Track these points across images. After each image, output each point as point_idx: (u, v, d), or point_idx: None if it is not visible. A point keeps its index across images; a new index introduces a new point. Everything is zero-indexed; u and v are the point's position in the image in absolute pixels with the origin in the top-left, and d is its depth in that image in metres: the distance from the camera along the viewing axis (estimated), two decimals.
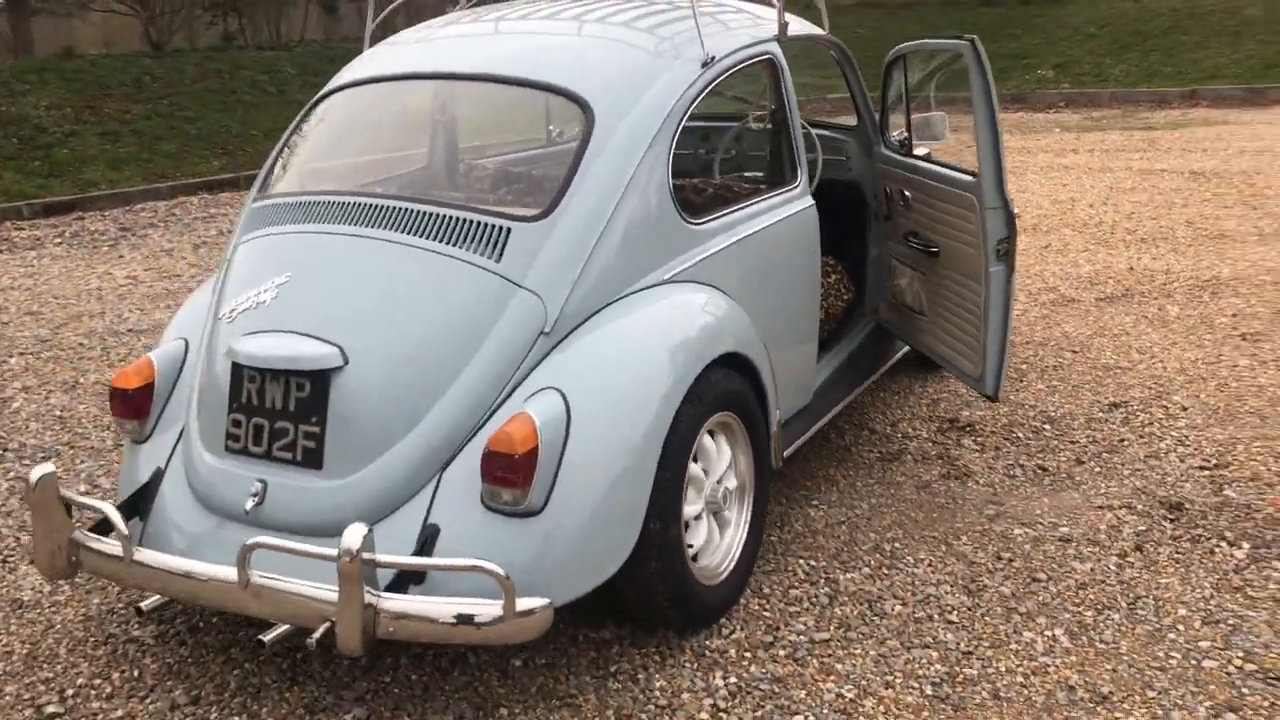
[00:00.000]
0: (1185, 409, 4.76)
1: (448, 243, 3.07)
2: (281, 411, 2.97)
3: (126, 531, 2.87)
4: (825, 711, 2.90)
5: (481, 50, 3.62)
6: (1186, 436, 4.48)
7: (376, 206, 3.19)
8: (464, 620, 2.63)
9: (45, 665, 3.25)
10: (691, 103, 3.40)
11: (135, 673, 3.19)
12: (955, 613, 3.32)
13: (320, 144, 3.73)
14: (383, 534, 2.83)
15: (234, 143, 12.85)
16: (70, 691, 3.12)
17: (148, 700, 3.06)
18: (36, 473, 2.99)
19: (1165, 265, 7.12)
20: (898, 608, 3.36)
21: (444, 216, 3.12)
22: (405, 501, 2.88)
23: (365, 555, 2.58)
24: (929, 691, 2.96)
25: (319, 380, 2.93)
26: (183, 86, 13.56)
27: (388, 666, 3.15)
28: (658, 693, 2.99)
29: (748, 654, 3.15)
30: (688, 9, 3.72)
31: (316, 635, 2.72)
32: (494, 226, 3.08)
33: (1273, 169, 10.22)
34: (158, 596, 3.01)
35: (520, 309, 3.00)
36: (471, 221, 3.10)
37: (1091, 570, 3.52)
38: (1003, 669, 3.05)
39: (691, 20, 3.60)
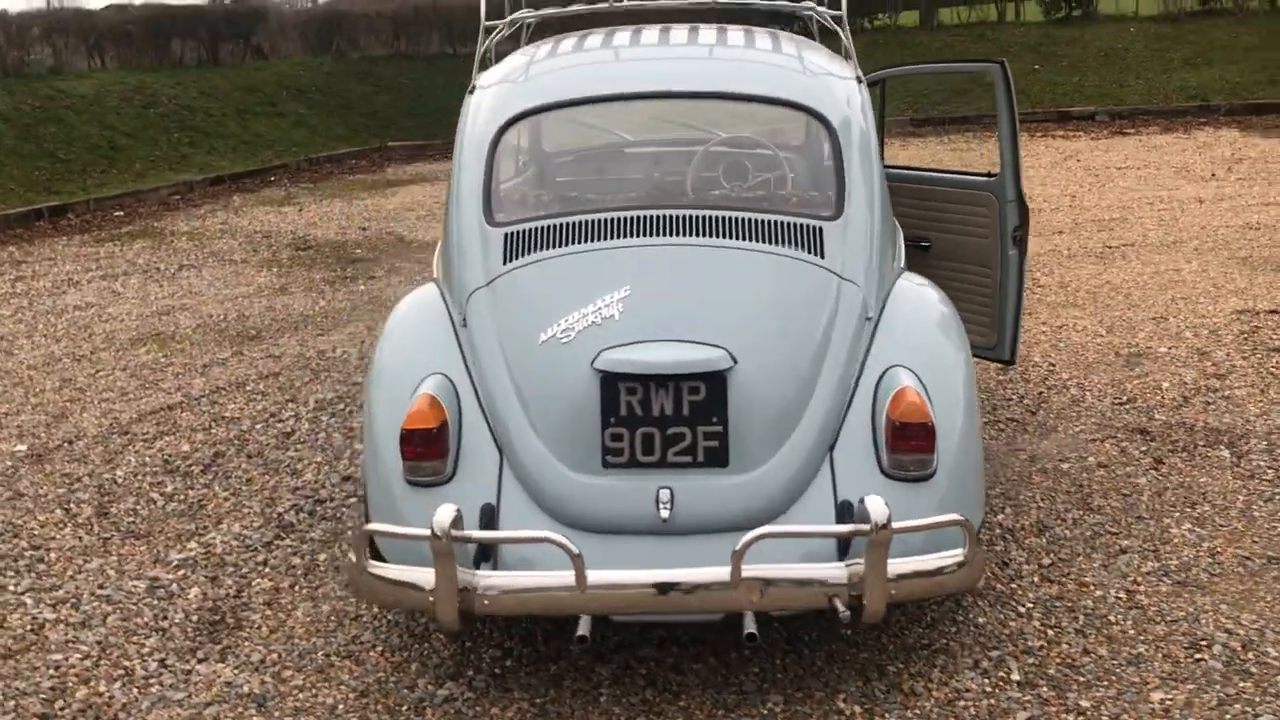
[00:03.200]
0: (1053, 365, 5.87)
1: (776, 244, 3.28)
2: (674, 417, 3.01)
3: (577, 551, 2.77)
4: (1114, 603, 3.48)
5: (699, 71, 3.80)
6: (1082, 383, 5.57)
7: (691, 216, 3.32)
8: (946, 571, 2.91)
9: None
10: (871, 115, 3.83)
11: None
12: (1111, 523, 4.03)
13: (565, 163, 3.66)
14: (801, 516, 3.01)
15: None
16: None
17: None
18: (444, 515, 2.77)
19: None
20: (1069, 531, 4.01)
21: (761, 220, 3.34)
22: (808, 484, 3.06)
23: (895, 525, 2.77)
24: (1172, 580, 3.65)
25: (715, 382, 3.01)
26: None
27: (686, 657, 3.25)
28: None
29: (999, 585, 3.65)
30: (789, 38, 4.13)
31: (751, 628, 2.85)
32: (809, 227, 3.36)
33: None
34: (587, 620, 2.89)
35: (849, 298, 3.29)
36: (788, 224, 3.34)
37: (1149, 482, 4.40)
38: (1191, 555, 3.81)
39: (813, 45, 4.02)
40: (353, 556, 3.01)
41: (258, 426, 5.34)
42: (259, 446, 5.08)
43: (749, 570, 2.79)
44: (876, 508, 2.76)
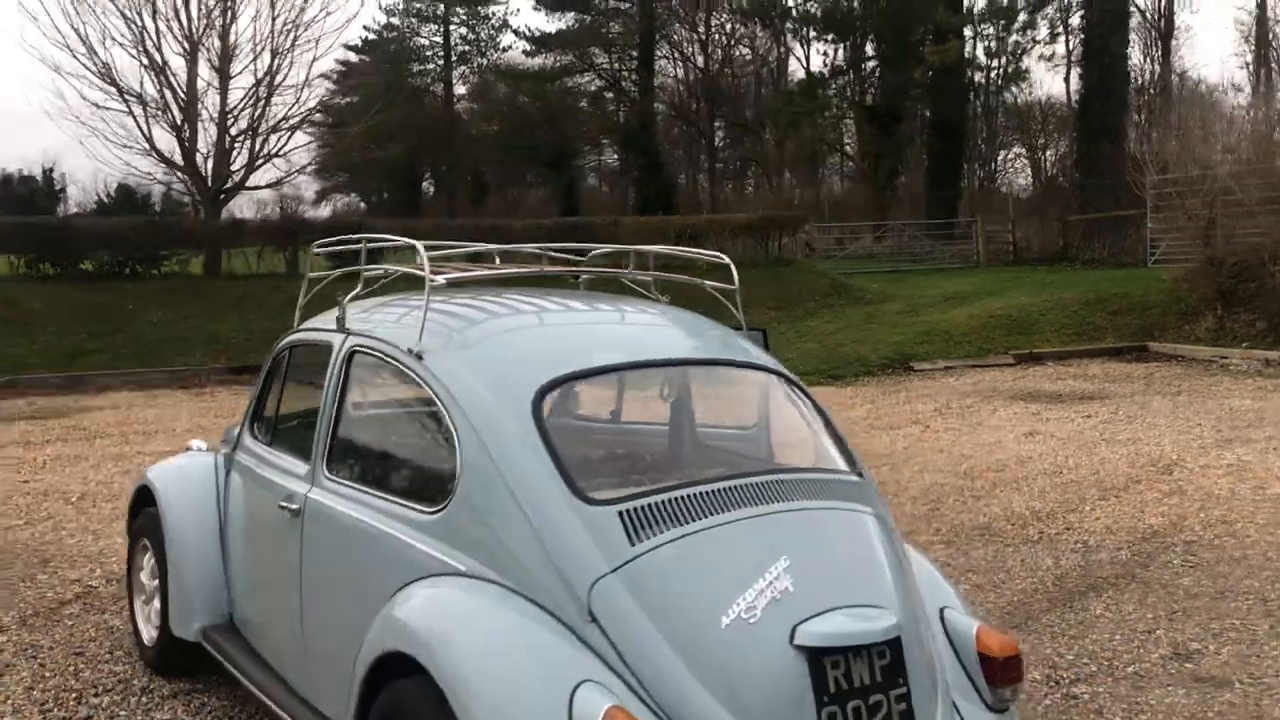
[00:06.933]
0: None
1: (850, 501, 3.42)
2: (871, 686, 3.01)
3: None
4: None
5: (690, 341, 3.99)
6: None
7: (791, 481, 3.40)
8: None
9: None
10: None
11: None
12: None
13: (626, 436, 4.03)
14: None
15: None
16: None
17: None
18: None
19: None
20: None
21: (834, 481, 3.48)
22: None
23: None
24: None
25: (895, 644, 3.05)
26: None
27: None
28: None
29: None
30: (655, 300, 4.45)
31: None
32: (856, 484, 3.52)
33: None
34: None
35: (902, 544, 3.50)
36: (849, 482, 3.51)
37: None
38: None
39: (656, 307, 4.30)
40: None
41: None
42: None
43: None
44: None
